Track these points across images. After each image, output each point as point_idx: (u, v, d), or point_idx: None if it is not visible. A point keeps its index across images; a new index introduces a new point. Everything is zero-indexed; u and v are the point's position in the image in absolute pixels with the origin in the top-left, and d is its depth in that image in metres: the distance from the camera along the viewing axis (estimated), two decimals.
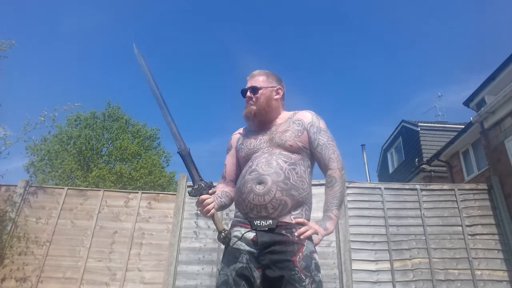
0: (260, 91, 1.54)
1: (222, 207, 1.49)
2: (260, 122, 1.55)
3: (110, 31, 34.25)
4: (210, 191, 1.37)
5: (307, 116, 1.55)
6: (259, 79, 1.58)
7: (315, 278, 1.25)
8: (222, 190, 1.55)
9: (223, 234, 1.34)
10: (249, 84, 1.57)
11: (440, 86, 45.45)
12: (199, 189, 1.36)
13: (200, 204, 1.34)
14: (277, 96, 1.59)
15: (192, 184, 1.38)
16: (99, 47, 31.74)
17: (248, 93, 1.55)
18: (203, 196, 1.34)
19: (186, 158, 1.40)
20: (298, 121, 1.53)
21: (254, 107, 1.53)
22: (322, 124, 1.53)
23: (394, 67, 48.31)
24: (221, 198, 1.49)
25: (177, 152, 1.42)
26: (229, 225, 1.45)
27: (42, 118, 5.69)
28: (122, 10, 33.72)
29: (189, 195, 1.37)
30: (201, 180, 1.38)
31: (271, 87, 1.58)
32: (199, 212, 5.16)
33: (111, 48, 32.74)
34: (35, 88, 27.04)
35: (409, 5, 43.19)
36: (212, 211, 1.34)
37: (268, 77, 1.60)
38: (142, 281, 4.81)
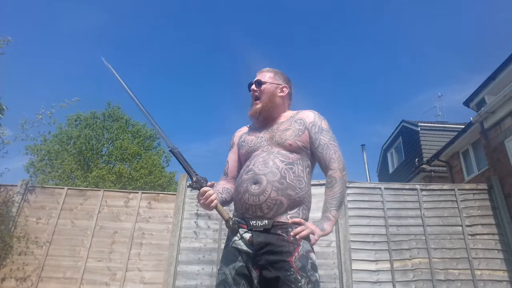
0: (264, 86, 1.58)
1: (223, 203, 1.47)
2: (265, 119, 1.56)
3: (110, 31, 34.24)
4: (208, 184, 1.36)
5: (309, 116, 1.54)
6: (266, 75, 1.62)
7: (312, 278, 1.24)
8: (224, 186, 1.54)
9: (231, 221, 1.32)
10: (256, 79, 1.62)
11: (441, 86, 45.49)
12: (199, 181, 1.34)
13: (202, 196, 1.32)
14: (281, 94, 1.60)
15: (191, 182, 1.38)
16: (99, 47, 31.74)
17: (253, 86, 1.60)
18: (204, 188, 1.33)
19: (179, 155, 1.40)
20: (300, 120, 1.52)
21: (258, 106, 1.55)
22: (324, 124, 1.52)
23: (395, 67, 48.32)
24: (222, 194, 1.48)
25: (169, 151, 1.41)
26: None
27: (40, 116, 5.67)
28: (123, 9, 33.72)
29: (191, 188, 1.36)
30: (197, 174, 1.37)
31: (276, 84, 1.60)
32: (199, 211, 5.18)
33: (112, 47, 32.73)
34: (34, 88, 27.05)
35: (409, 5, 43.19)
36: (215, 202, 1.32)
37: (276, 75, 1.63)
38: (142, 281, 4.81)
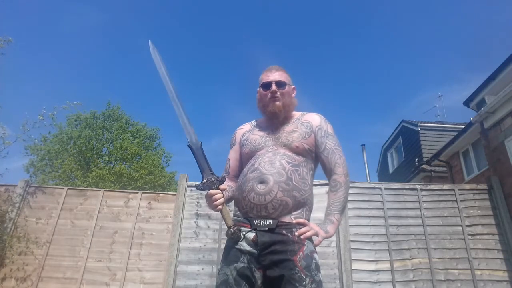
0: (287, 87, 1.54)
1: (228, 200, 1.47)
2: (284, 119, 1.54)
3: (110, 31, 34.25)
4: (221, 187, 1.34)
5: (315, 119, 1.54)
6: (282, 75, 1.55)
7: (315, 278, 1.24)
8: (227, 184, 1.53)
9: (231, 229, 1.30)
10: (271, 78, 1.53)
11: (441, 86, 45.48)
12: (208, 183, 1.34)
13: (209, 198, 1.33)
14: (293, 95, 1.60)
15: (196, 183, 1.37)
16: (99, 47, 31.75)
17: (274, 87, 1.50)
18: (212, 191, 1.32)
19: (197, 152, 1.38)
20: (306, 123, 1.52)
21: (280, 103, 1.50)
22: (330, 129, 1.53)
23: (395, 67, 48.32)
24: (227, 192, 1.47)
25: (187, 146, 1.38)
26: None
27: (41, 117, 5.70)
28: (123, 9, 33.72)
29: (197, 188, 1.35)
30: (212, 174, 1.35)
31: (292, 85, 1.59)
32: (199, 211, 5.18)
33: (111, 47, 32.75)
34: (34, 88, 27.05)
35: (409, 5, 43.22)
36: (220, 206, 1.32)
37: (288, 75, 1.59)
38: (142, 281, 4.81)
